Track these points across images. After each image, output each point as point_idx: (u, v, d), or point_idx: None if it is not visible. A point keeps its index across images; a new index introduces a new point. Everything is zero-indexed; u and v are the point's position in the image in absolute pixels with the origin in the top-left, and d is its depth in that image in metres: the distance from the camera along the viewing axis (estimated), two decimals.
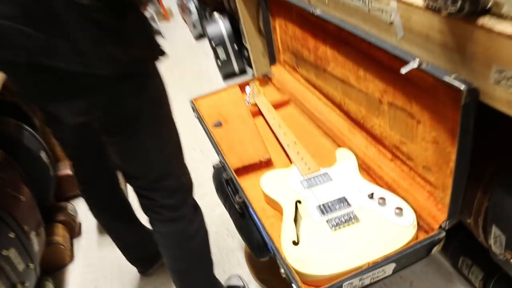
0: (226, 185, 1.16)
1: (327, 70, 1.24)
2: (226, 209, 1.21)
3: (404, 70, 0.76)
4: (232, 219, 1.16)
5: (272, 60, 1.62)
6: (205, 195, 1.72)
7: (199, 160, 2.23)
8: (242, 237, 1.12)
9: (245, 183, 1.17)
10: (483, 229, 0.89)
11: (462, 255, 1.24)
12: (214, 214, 1.81)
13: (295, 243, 0.91)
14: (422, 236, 0.88)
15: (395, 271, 0.85)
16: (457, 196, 0.81)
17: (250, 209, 1.03)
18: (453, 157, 0.78)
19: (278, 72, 1.59)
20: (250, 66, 2.58)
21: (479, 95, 0.66)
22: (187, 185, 1.20)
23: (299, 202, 1.01)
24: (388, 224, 0.90)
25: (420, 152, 0.90)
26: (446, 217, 0.86)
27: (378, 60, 0.94)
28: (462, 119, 0.71)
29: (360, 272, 0.81)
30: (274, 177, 1.11)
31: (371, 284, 0.84)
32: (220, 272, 1.60)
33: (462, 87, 0.66)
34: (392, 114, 0.95)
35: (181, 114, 1.37)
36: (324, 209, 0.97)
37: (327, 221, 0.94)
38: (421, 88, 0.83)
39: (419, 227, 0.90)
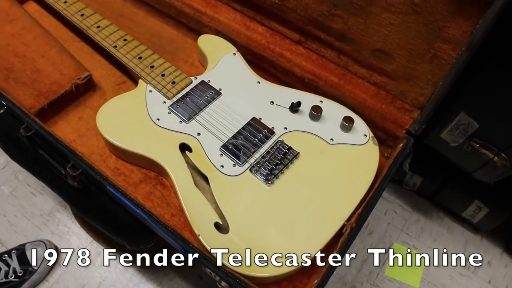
0: (33, 146, 0.63)
1: None
2: (39, 178, 0.70)
3: None
4: (65, 199, 0.67)
5: None
6: None
7: None
8: (95, 223, 0.67)
9: (62, 130, 0.66)
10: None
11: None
12: None
13: (222, 228, 0.53)
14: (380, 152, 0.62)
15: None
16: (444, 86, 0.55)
17: (109, 188, 0.57)
18: (454, 33, 0.49)
19: None
20: None
21: None
22: None
23: (187, 148, 0.60)
24: (340, 148, 0.60)
25: (372, 30, 0.56)
26: (414, 117, 0.61)
27: None
28: None
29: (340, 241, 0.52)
30: (120, 111, 0.64)
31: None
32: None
33: None
34: None
35: None
36: (236, 149, 0.59)
37: (251, 170, 0.58)
38: None
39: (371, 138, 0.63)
